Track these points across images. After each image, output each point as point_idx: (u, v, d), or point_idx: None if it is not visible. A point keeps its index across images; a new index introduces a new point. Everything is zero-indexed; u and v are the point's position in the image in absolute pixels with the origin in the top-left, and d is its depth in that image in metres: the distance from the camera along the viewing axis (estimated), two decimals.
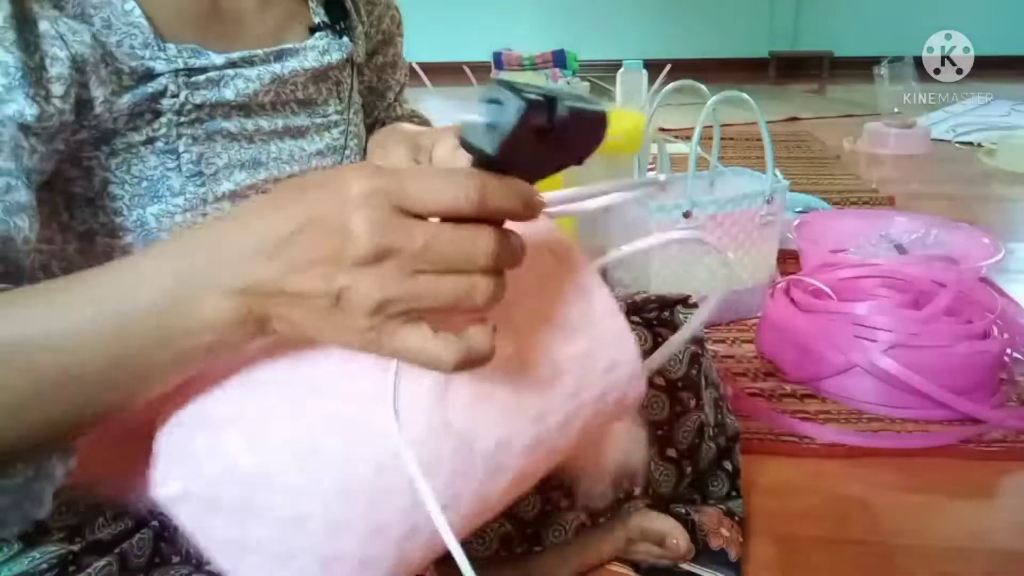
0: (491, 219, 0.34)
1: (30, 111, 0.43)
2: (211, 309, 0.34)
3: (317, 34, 0.63)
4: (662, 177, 0.52)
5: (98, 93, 0.48)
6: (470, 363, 0.34)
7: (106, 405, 0.37)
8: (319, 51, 0.62)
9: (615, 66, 2.32)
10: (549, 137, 0.33)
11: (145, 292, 0.35)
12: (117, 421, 0.40)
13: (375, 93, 0.77)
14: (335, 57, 0.62)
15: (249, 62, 0.57)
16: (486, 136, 0.32)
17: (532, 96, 0.31)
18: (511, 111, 0.31)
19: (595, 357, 0.42)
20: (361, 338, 0.34)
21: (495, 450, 0.39)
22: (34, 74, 0.44)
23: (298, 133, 0.62)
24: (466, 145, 0.33)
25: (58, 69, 0.45)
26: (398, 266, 0.32)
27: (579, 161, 0.36)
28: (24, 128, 0.44)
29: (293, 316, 0.34)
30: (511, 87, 0.31)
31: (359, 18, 0.69)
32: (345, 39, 0.64)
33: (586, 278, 0.42)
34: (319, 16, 0.63)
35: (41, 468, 0.40)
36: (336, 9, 0.65)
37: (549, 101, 0.32)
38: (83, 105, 0.48)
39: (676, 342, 0.49)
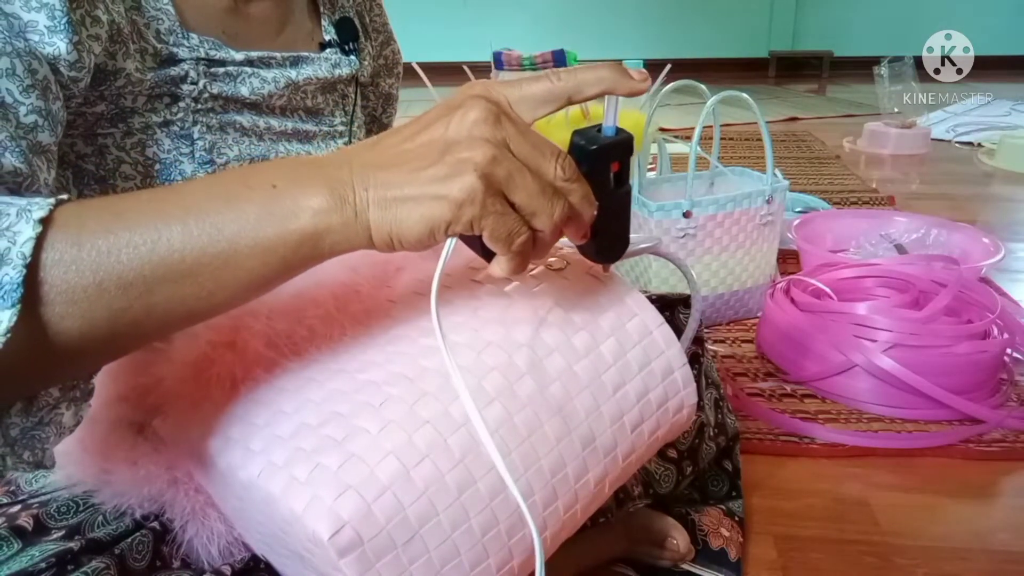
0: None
1: (68, 57, 0.44)
2: (312, 193, 0.36)
3: (328, 50, 0.67)
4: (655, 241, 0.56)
5: (124, 65, 0.50)
6: (522, 258, 0.38)
7: (187, 298, 0.36)
8: (331, 63, 0.65)
9: None
10: (616, 183, 0.41)
11: (256, 178, 0.37)
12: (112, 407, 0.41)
13: (378, 124, 0.82)
14: (344, 71, 0.67)
15: (266, 63, 0.59)
16: (592, 140, 0.40)
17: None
18: (622, 136, 0.41)
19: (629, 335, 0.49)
20: (460, 197, 0.35)
21: (563, 402, 0.45)
22: (78, 26, 0.45)
23: (305, 138, 0.65)
24: (574, 138, 0.40)
25: (96, 30, 0.47)
26: (502, 138, 0.36)
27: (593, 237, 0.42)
28: (56, 73, 0.45)
29: (391, 189, 0.36)
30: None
31: (367, 42, 0.73)
32: (353, 57, 0.68)
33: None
34: (330, 34, 0.67)
35: (50, 414, 0.39)
36: (346, 31, 0.69)
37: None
38: (108, 74, 0.49)
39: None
